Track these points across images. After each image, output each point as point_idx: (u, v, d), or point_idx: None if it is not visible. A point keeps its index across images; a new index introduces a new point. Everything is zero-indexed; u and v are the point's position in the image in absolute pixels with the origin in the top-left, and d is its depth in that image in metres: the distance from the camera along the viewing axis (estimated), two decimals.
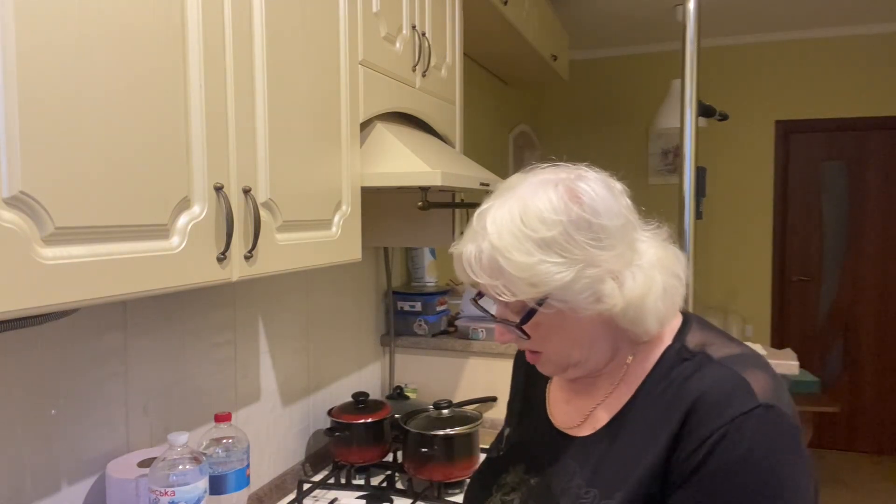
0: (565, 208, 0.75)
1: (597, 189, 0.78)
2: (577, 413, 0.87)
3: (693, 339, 0.81)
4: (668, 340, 0.82)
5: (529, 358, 0.87)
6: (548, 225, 0.75)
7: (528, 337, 0.81)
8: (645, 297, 0.77)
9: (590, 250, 0.75)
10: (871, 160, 4.20)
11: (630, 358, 0.84)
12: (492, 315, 0.85)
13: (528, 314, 0.78)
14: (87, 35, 0.74)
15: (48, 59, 0.69)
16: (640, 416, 0.79)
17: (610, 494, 0.75)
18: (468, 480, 1.06)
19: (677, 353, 0.80)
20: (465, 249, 0.79)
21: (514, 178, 0.82)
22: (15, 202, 0.66)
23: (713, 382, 0.74)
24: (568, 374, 0.86)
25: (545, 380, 0.98)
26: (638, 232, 0.81)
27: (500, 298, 0.77)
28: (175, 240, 0.87)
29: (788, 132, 4.33)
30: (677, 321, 0.84)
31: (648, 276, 0.78)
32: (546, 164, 0.83)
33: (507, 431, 1.00)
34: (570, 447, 0.85)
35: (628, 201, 0.82)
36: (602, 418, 0.83)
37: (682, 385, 0.76)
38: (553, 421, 0.90)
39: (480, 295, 0.86)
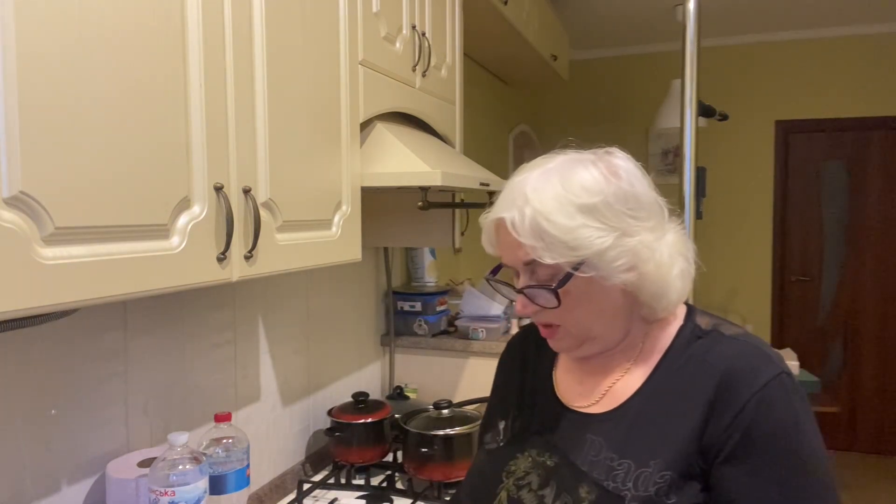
0: (605, 181, 0.80)
1: (630, 167, 0.84)
2: (593, 391, 0.89)
3: (702, 321, 0.87)
4: (679, 320, 0.88)
5: (545, 333, 0.88)
6: (590, 193, 0.79)
7: (558, 304, 0.81)
8: (669, 271, 0.82)
9: (627, 220, 0.80)
10: (871, 160, 4.20)
11: (644, 336, 0.88)
12: (512, 287, 0.86)
13: (565, 278, 0.80)
14: (86, 35, 0.74)
15: (48, 59, 0.69)
16: (664, 389, 0.82)
17: (644, 463, 0.78)
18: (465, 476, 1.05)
19: (692, 331, 0.86)
20: (504, 215, 0.82)
21: (543, 158, 0.86)
22: (15, 202, 0.66)
23: (739, 353, 0.80)
24: (582, 351, 0.89)
25: (549, 365, 0.98)
26: (664, 212, 0.86)
27: (542, 261, 0.79)
28: (175, 240, 0.87)
29: (788, 132, 4.32)
30: (683, 307, 0.90)
31: (672, 253, 0.83)
32: (570, 149, 0.87)
33: (503, 424, 0.99)
34: (591, 424, 0.86)
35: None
36: (623, 393, 0.86)
37: (704, 358, 0.81)
38: (565, 402, 0.91)
39: (497, 270, 0.90)
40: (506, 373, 1.06)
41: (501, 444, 0.96)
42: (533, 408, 0.96)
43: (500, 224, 0.84)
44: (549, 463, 0.87)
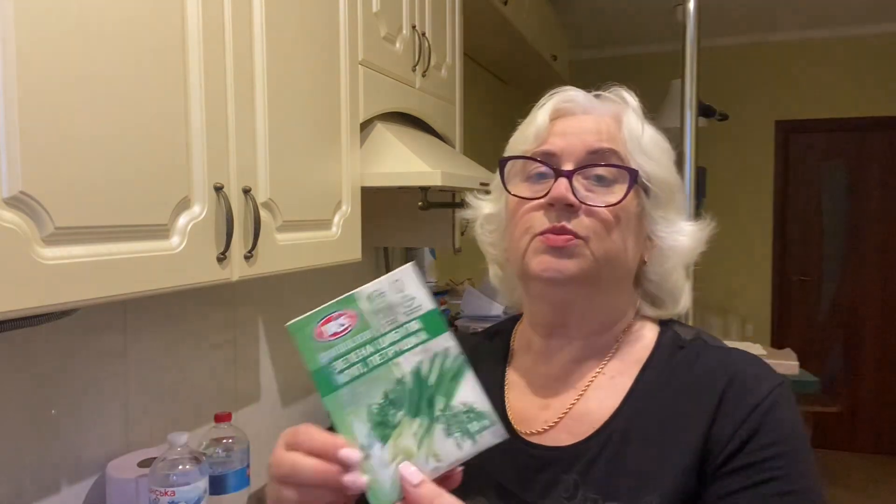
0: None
1: None
2: (555, 405, 0.73)
3: (682, 330, 0.76)
4: (655, 328, 0.76)
5: (559, 241, 0.67)
6: (667, 143, 0.75)
7: (621, 200, 0.67)
8: (679, 267, 0.75)
9: (681, 191, 0.74)
10: (871, 160, 4.20)
11: (620, 335, 0.74)
12: (551, 166, 0.70)
13: (639, 175, 0.69)
14: (87, 35, 0.74)
15: (48, 59, 0.69)
16: (653, 406, 0.69)
17: (637, 500, 0.64)
18: None
19: (673, 340, 0.74)
20: (605, 93, 0.75)
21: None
22: (15, 202, 0.66)
23: (740, 360, 0.70)
24: (585, 287, 0.70)
25: (497, 386, 0.78)
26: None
27: (630, 154, 0.70)
28: (175, 240, 0.87)
29: (788, 132, 4.32)
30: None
31: (684, 255, 0.75)
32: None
33: None
34: (560, 458, 0.69)
35: None
36: (597, 415, 0.70)
37: (699, 367, 0.70)
38: (521, 431, 0.73)
39: (509, 159, 0.75)
40: None
41: None
42: None
43: (576, 103, 0.73)
44: None
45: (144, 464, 1.11)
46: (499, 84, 3.78)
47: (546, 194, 0.68)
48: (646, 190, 0.70)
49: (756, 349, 2.59)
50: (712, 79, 4.27)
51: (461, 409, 0.53)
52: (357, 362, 0.55)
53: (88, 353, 1.11)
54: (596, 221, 0.67)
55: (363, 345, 0.56)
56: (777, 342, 4.36)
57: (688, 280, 0.77)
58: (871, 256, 4.23)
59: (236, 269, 0.99)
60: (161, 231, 0.85)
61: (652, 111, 0.79)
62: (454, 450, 0.52)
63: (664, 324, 0.77)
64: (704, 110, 1.85)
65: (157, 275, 0.84)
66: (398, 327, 0.55)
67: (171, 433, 1.06)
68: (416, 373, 0.54)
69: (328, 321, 0.57)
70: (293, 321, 0.57)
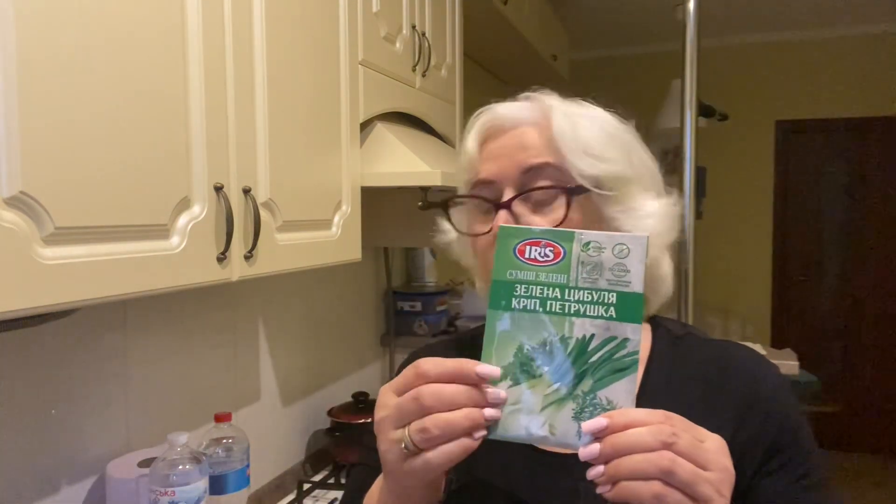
0: (626, 125, 0.72)
1: None
2: None
3: (670, 325, 0.76)
4: (647, 325, 0.75)
5: None
6: (614, 123, 0.71)
7: (564, 217, 0.66)
8: (662, 263, 0.72)
9: (643, 171, 0.70)
10: (871, 160, 4.20)
11: None
12: (488, 200, 0.69)
13: (578, 189, 0.66)
14: (86, 35, 0.74)
15: (48, 59, 0.69)
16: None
17: None
18: None
19: (666, 336, 0.74)
20: (524, 103, 0.71)
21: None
22: (15, 202, 0.66)
23: (740, 353, 0.72)
24: None
25: None
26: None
27: (564, 165, 0.66)
28: (175, 240, 0.87)
29: (788, 132, 4.32)
30: None
31: (663, 250, 0.72)
32: None
33: None
34: (576, 465, 0.57)
35: None
36: None
37: (698, 366, 0.70)
38: None
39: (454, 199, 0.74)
40: None
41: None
42: (484, 450, 0.65)
43: (500, 121, 0.70)
44: None
45: (144, 464, 1.11)
46: (499, 84, 3.78)
47: (491, 229, 0.67)
48: (597, 188, 0.67)
49: (756, 349, 2.59)
50: (712, 79, 4.27)
51: (602, 404, 0.50)
52: (536, 298, 0.53)
53: (88, 353, 1.11)
54: None
55: (551, 286, 0.53)
56: (777, 342, 4.36)
57: (670, 265, 0.75)
58: (870, 256, 4.23)
59: (236, 269, 0.99)
60: (161, 231, 0.85)
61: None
62: (572, 435, 0.50)
63: (652, 320, 0.76)
64: (704, 110, 1.85)
65: (157, 275, 0.84)
66: (594, 290, 0.52)
67: (171, 433, 1.06)
68: (583, 343, 0.52)
69: (536, 244, 0.54)
70: (508, 225, 0.55)
